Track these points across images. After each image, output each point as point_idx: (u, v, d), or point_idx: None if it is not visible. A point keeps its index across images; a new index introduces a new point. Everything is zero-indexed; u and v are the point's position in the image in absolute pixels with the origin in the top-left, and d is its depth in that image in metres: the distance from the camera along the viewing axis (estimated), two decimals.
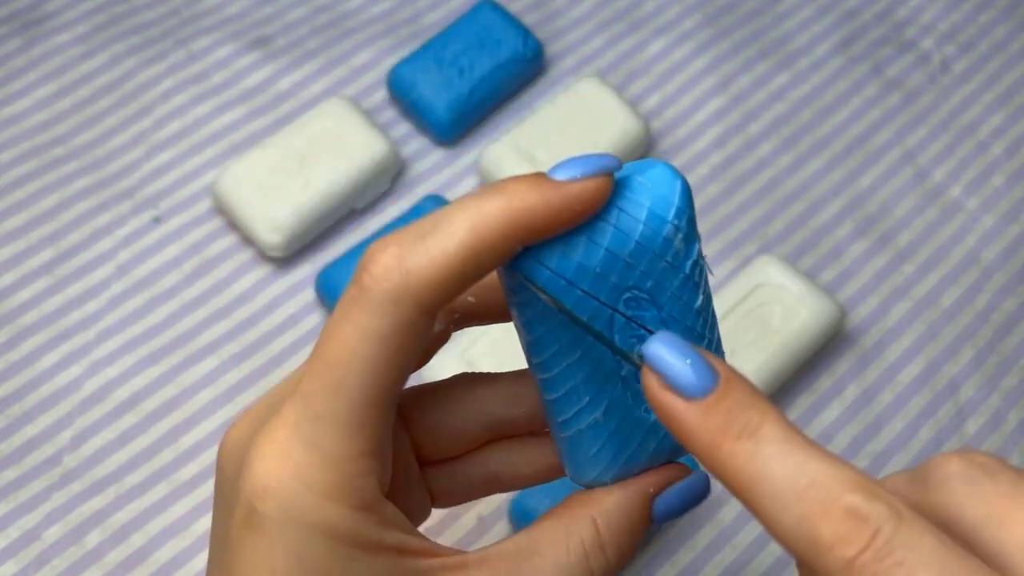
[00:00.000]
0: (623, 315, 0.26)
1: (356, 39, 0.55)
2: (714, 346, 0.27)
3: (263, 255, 0.48)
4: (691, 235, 0.26)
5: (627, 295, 0.26)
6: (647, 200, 0.25)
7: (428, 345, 0.28)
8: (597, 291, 0.25)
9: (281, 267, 0.48)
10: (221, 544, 0.26)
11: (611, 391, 0.27)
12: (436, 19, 0.56)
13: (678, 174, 0.26)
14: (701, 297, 0.26)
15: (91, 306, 0.47)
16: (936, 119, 0.55)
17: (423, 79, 0.51)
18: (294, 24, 0.55)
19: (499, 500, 0.43)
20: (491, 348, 0.44)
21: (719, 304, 0.46)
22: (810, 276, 0.49)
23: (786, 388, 0.47)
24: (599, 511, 0.27)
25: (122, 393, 0.45)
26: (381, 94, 0.53)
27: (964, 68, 0.56)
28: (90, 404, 0.45)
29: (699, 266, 0.26)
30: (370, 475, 0.24)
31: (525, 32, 0.53)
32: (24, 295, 0.47)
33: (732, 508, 0.44)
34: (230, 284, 0.48)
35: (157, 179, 0.50)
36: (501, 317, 0.29)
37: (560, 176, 0.24)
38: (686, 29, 0.56)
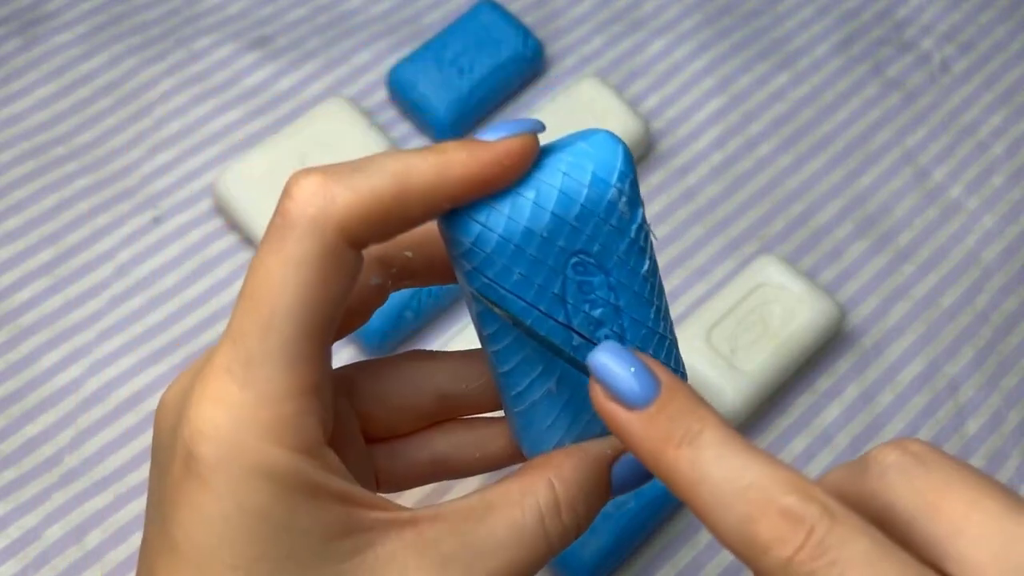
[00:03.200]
0: (573, 280, 0.26)
1: (356, 39, 0.55)
2: (662, 313, 0.27)
3: None
4: (634, 199, 0.26)
5: (574, 259, 0.26)
6: (590, 164, 0.26)
7: (367, 299, 0.28)
8: (545, 255, 0.26)
9: None
10: (159, 501, 0.25)
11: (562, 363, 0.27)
12: (436, 19, 0.56)
13: (619, 140, 0.26)
14: (647, 263, 0.27)
15: (91, 306, 0.47)
16: (936, 119, 0.55)
17: (423, 79, 0.51)
18: (294, 24, 0.55)
19: None
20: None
21: (719, 304, 0.46)
22: (810, 276, 0.49)
23: (786, 388, 0.47)
24: (556, 474, 0.27)
25: (122, 393, 0.45)
26: (381, 94, 0.53)
27: (964, 68, 0.56)
28: (90, 404, 0.45)
29: (644, 231, 0.27)
30: (309, 415, 0.24)
31: (525, 32, 0.53)
32: (24, 295, 0.47)
33: None
34: (230, 284, 0.48)
35: (157, 179, 0.50)
36: (441, 278, 0.29)
37: (489, 137, 0.25)
38: (686, 29, 0.56)
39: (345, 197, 0.24)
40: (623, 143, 0.26)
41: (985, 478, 0.23)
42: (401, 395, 0.30)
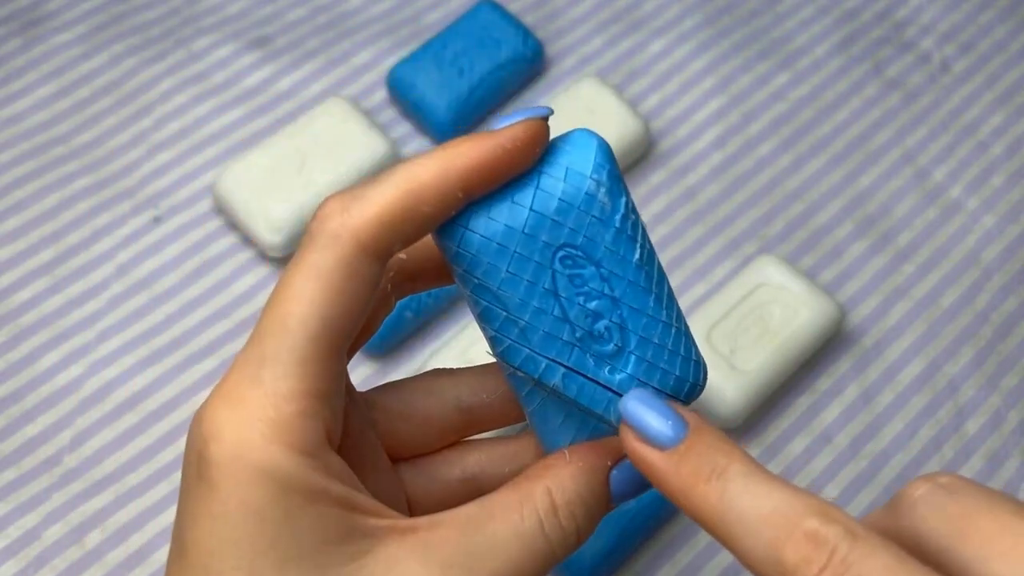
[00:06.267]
0: (563, 274, 0.27)
1: (356, 39, 0.55)
2: (664, 301, 0.28)
3: (263, 255, 0.48)
4: (615, 190, 0.27)
5: (561, 253, 0.27)
6: (566, 160, 0.27)
7: (373, 309, 0.29)
8: (530, 251, 0.26)
9: (281, 267, 0.48)
10: (178, 510, 0.25)
11: (567, 355, 0.27)
12: (436, 19, 0.56)
13: (595, 134, 0.27)
14: (639, 251, 0.27)
15: (91, 306, 0.47)
16: (936, 119, 0.55)
17: (423, 79, 0.51)
18: (294, 24, 0.55)
19: None
20: None
21: (719, 304, 0.46)
22: (810, 276, 0.49)
23: (786, 388, 0.47)
24: (555, 482, 0.27)
25: (122, 393, 0.45)
26: (381, 94, 0.53)
27: (964, 68, 0.56)
28: (90, 404, 0.44)
29: (630, 220, 0.27)
30: (312, 418, 0.24)
31: (525, 32, 0.53)
32: (24, 295, 0.47)
33: None
34: (230, 284, 0.48)
35: (157, 179, 0.50)
36: (438, 280, 0.30)
37: (497, 126, 0.26)
38: (686, 29, 0.56)
39: (359, 209, 0.25)
40: (599, 137, 0.27)
41: (1014, 502, 0.23)
42: (423, 409, 0.30)
